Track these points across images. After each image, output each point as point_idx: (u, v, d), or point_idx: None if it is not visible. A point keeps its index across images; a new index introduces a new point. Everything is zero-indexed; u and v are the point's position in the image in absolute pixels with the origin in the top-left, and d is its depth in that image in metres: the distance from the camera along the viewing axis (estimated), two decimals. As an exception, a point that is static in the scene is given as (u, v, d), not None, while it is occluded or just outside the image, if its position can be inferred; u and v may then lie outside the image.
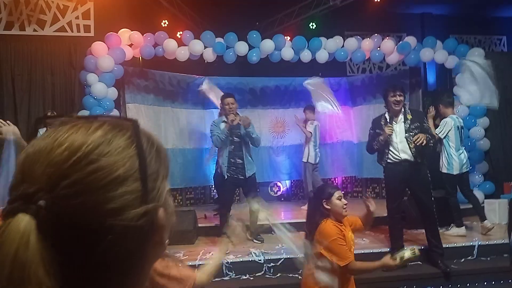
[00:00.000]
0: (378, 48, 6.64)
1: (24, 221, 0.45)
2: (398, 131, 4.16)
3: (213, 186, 7.68)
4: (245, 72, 7.45)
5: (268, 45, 6.31)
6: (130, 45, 6.15)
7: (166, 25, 7.12)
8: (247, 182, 4.83)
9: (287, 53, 6.41)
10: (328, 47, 6.52)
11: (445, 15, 8.84)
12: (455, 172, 5.07)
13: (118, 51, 5.87)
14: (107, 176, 0.48)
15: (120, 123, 0.53)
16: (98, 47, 5.78)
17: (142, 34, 6.13)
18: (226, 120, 4.70)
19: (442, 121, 5.15)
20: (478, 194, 6.20)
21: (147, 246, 0.52)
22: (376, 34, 6.79)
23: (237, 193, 5.98)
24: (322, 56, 6.54)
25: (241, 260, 4.37)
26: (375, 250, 4.58)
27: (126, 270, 0.51)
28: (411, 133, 4.12)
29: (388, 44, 6.58)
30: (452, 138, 5.04)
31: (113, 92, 5.96)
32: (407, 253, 2.51)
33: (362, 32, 7.49)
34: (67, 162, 0.47)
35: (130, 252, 0.50)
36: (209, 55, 6.33)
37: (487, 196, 6.11)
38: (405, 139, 4.14)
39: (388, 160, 4.23)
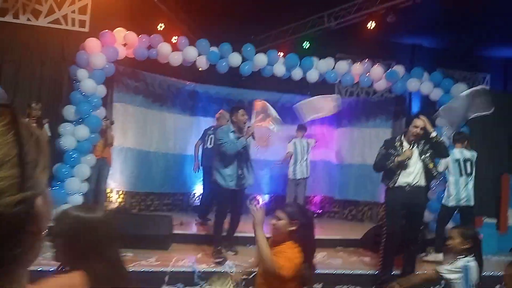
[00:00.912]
0: (368, 74, 6.80)
1: None
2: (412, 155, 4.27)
3: (193, 194, 7.67)
4: (233, 83, 7.50)
5: (261, 59, 6.40)
6: (124, 45, 6.15)
7: (162, 28, 7.15)
8: (241, 193, 4.88)
9: (279, 69, 6.50)
10: (319, 68, 6.65)
11: (434, 48, 9.11)
12: (451, 203, 5.23)
13: (112, 49, 5.87)
14: None
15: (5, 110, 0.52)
16: (92, 43, 5.77)
17: (137, 35, 6.15)
18: (234, 130, 4.75)
19: None
20: (451, 226, 6.34)
21: (22, 234, 0.51)
22: (366, 60, 6.96)
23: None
24: (313, 75, 6.66)
25: (213, 270, 4.36)
26: (346, 272, 4.64)
27: (1, 260, 0.50)
28: (426, 155, 4.24)
29: (377, 70, 6.75)
30: (451, 171, 5.23)
31: (102, 90, 5.93)
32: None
33: (353, 56, 7.66)
34: None
35: (4, 240, 0.49)
36: (203, 63, 6.37)
37: (459, 228, 6.25)
38: (419, 162, 4.24)
39: (396, 184, 4.27)
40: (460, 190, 5.22)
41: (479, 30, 7.83)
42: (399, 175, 4.26)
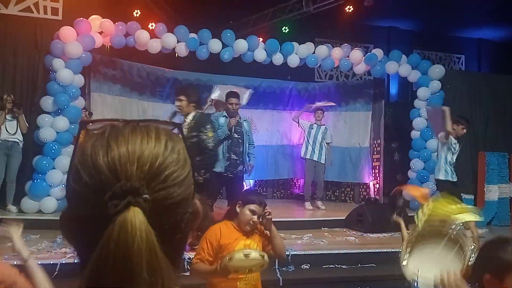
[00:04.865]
0: (347, 57, 6.86)
1: (140, 212, 0.53)
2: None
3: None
4: (214, 70, 7.42)
5: (242, 45, 6.36)
6: (100, 33, 6.00)
7: (138, 15, 6.99)
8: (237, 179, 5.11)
9: (260, 54, 6.48)
10: (300, 52, 6.66)
11: (410, 30, 9.25)
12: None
13: (88, 38, 5.71)
14: (182, 173, 0.59)
15: (169, 128, 0.63)
16: (67, 32, 5.60)
17: (114, 23, 6.00)
18: (226, 115, 5.01)
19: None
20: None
21: (192, 230, 0.63)
22: (346, 44, 7.01)
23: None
24: (294, 60, 6.67)
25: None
26: (332, 252, 4.74)
27: (184, 248, 0.64)
28: (189, 140, 3.88)
29: (356, 54, 6.81)
30: None
31: (79, 80, 5.79)
32: (237, 255, 2.17)
33: (332, 40, 7.71)
34: (156, 162, 0.56)
35: (188, 234, 0.62)
36: (182, 50, 6.29)
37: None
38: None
39: None
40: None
41: (453, 12, 7.98)
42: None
